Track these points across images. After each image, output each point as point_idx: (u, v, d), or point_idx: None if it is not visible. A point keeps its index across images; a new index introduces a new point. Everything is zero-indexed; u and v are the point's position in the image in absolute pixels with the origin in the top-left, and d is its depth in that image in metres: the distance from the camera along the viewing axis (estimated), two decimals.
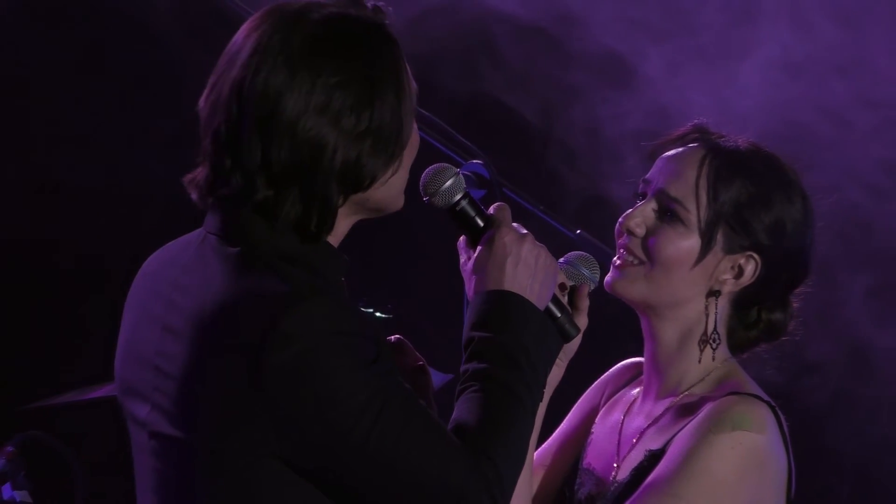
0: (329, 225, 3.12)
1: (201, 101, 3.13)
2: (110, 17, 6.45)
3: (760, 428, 3.42)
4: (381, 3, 3.13)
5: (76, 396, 5.52)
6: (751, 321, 3.55)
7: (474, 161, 4.36)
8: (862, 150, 5.53)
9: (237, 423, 3.08)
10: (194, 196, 3.17)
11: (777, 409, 3.45)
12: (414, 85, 3.18)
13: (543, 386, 3.20)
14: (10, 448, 5.23)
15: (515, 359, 3.17)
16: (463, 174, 4.43)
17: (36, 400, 5.70)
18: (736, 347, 3.56)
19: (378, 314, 5.32)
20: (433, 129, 4.46)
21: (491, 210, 3.32)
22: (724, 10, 5.54)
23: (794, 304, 3.55)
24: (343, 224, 3.18)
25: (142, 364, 3.19)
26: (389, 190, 3.16)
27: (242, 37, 3.11)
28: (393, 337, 3.37)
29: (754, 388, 3.49)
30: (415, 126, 3.21)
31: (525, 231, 3.29)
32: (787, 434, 3.46)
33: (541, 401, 3.22)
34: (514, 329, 3.20)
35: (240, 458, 3.08)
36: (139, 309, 3.25)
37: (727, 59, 5.49)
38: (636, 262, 3.53)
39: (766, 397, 3.47)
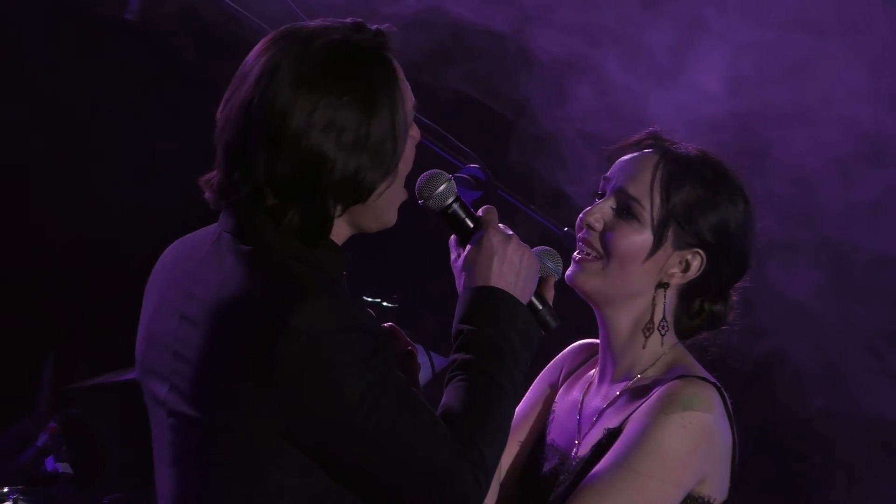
0: (327, 231, 3.21)
1: (218, 113, 3.23)
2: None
3: (708, 408, 3.51)
4: (385, 27, 3.23)
5: (111, 378, 5.75)
6: (695, 311, 3.63)
7: (472, 165, 4.52)
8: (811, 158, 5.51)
9: (248, 406, 3.17)
10: (209, 197, 3.28)
11: (722, 389, 3.56)
12: (412, 102, 3.28)
13: (523, 375, 3.30)
14: (52, 425, 5.52)
15: (500, 350, 3.26)
16: (460, 177, 4.54)
17: (76, 381, 5.97)
18: (681, 334, 3.65)
19: (384, 303, 5.47)
20: (433, 135, 4.58)
21: (480, 212, 3.40)
22: (677, 17, 5.47)
23: (734, 297, 3.66)
24: (345, 228, 3.27)
25: (161, 348, 3.28)
26: (386, 202, 3.25)
27: (254, 57, 3.21)
28: (386, 324, 3.45)
29: (701, 370, 3.60)
30: (412, 143, 3.30)
31: (511, 232, 3.38)
32: (731, 412, 3.56)
33: (521, 389, 3.32)
34: (498, 323, 3.28)
35: (249, 438, 3.19)
36: (158, 297, 3.35)
37: (681, 65, 5.39)
38: (594, 255, 3.61)
39: (712, 379, 3.58)
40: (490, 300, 3.28)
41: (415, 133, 3.31)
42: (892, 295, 5.67)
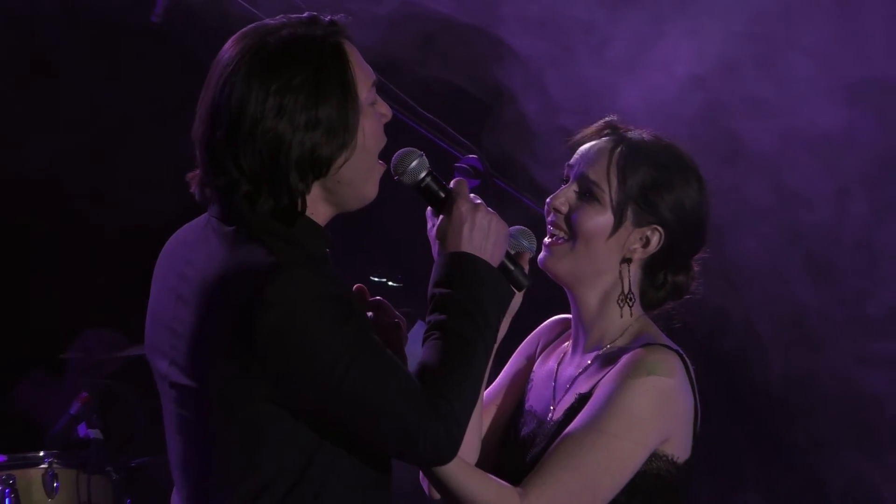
0: (299, 208, 3.34)
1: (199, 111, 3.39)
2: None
3: (670, 373, 3.63)
4: (338, 17, 3.37)
5: (138, 351, 5.85)
6: (659, 283, 3.75)
7: (471, 156, 4.62)
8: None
9: (235, 373, 3.27)
10: (194, 191, 3.40)
11: (684, 356, 3.69)
12: (371, 80, 3.39)
13: (496, 331, 3.38)
14: (84, 394, 5.76)
15: (470, 312, 3.33)
16: (460, 166, 4.67)
17: (107, 354, 6.14)
18: (648, 306, 3.77)
19: (390, 283, 5.52)
20: (434, 128, 4.73)
21: (451, 185, 3.50)
22: (651, 9, 5.40)
23: (696, 268, 3.78)
24: (324, 207, 3.39)
25: (162, 327, 3.39)
26: (354, 173, 3.35)
27: (218, 58, 3.37)
28: (375, 298, 3.56)
29: (665, 339, 3.71)
30: (377, 119, 3.39)
31: (480, 201, 3.46)
32: (693, 377, 3.68)
33: (494, 345, 3.41)
34: (469, 286, 3.35)
35: (240, 403, 3.30)
36: (160, 282, 3.45)
37: (650, 54, 5.32)
38: (562, 237, 3.72)
39: (675, 347, 3.69)
40: (461, 265, 3.36)
41: (384, 111, 3.41)
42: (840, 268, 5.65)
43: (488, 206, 3.51)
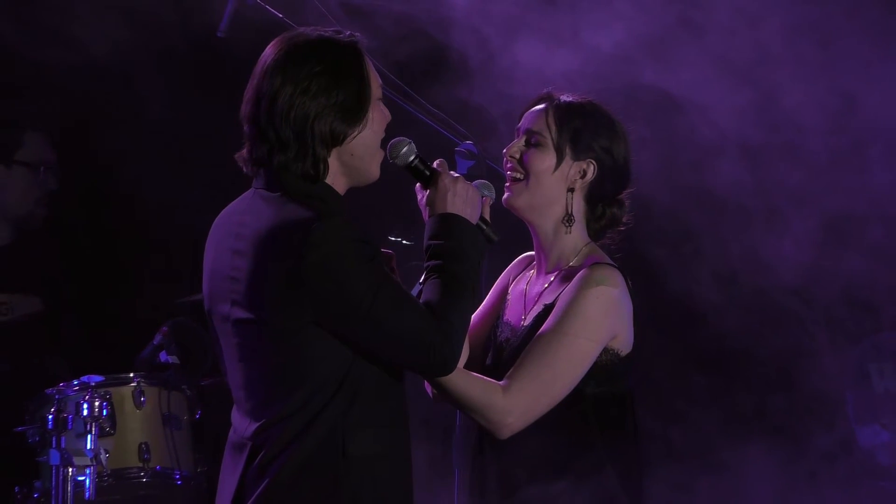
0: (323, 173, 3.57)
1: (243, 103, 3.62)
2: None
3: (615, 284, 3.89)
4: (357, 34, 3.66)
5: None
6: (598, 214, 4.01)
7: (467, 142, 4.92)
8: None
9: (285, 304, 3.53)
10: (243, 167, 3.66)
11: (623, 271, 3.94)
12: (378, 82, 3.64)
13: (479, 272, 3.66)
14: (164, 328, 6.03)
15: (458, 256, 3.62)
16: (459, 150, 4.90)
17: (182, 297, 6.38)
18: (594, 236, 4.02)
19: (404, 241, 5.84)
20: (437, 119, 4.96)
21: (435, 164, 3.77)
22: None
23: (626, 203, 4.03)
24: (340, 181, 3.63)
25: (221, 279, 3.64)
26: (363, 149, 3.61)
27: (261, 57, 3.63)
28: (386, 250, 3.74)
29: (608, 259, 3.98)
30: (381, 113, 3.64)
31: (458, 175, 3.74)
32: (630, 287, 3.94)
33: (477, 283, 3.65)
34: (456, 237, 3.65)
35: (292, 327, 3.55)
36: (215, 245, 3.69)
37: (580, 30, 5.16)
38: (518, 177, 3.96)
39: (615, 264, 3.95)
40: (449, 222, 3.66)
41: (386, 113, 3.67)
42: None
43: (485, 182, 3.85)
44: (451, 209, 3.68)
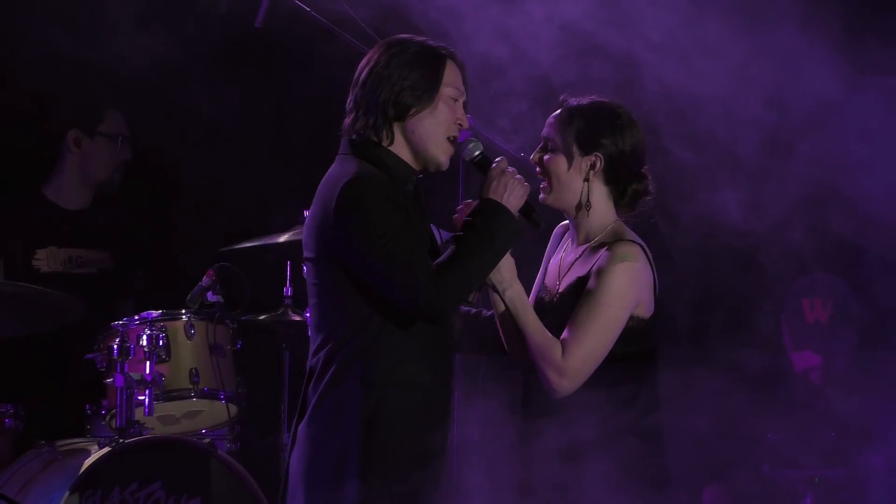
0: (387, 139, 3.91)
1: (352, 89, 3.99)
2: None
3: (636, 258, 4.12)
4: (444, 45, 4.02)
5: (248, 243, 6.54)
6: (622, 191, 4.24)
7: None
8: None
9: (325, 243, 3.87)
10: (344, 135, 3.99)
11: (645, 247, 4.16)
12: (457, 82, 3.94)
13: (500, 251, 3.91)
14: (210, 272, 6.31)
15: (479, 231, 3.91)
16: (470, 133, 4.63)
17: (226, 245, 6.62)
18: (626, 208, 4.24)
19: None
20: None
21: (495, 162, 4.11)
22: None
23: (648, 177, 4.25)
24: (406, 154, 3.96)
25: (306, 228, 4.01)
26: (422, 130, 3.93)
27: (366, 56, 4.03)
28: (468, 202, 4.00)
29: (633, 236, 4.20)
30: (451, 111, 3.94)
31: (510, 170, 4.03)
32: (651, 260, 4.17)
33: (496, 259, 3.91)
34: (486, 218, 3.94)
35: (329, 264, 3.90)
36: (314, 200, 4.00)
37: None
38: (546, 181, 4.22)
39: (639, 241, 4.17)
40: (486, 205, 3.99)
41: (461, 117, 3.99)
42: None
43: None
44: (492, 195, 3.98)
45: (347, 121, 3.93)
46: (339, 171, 3.86)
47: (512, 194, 3.95)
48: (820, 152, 5.49)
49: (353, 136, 3.90)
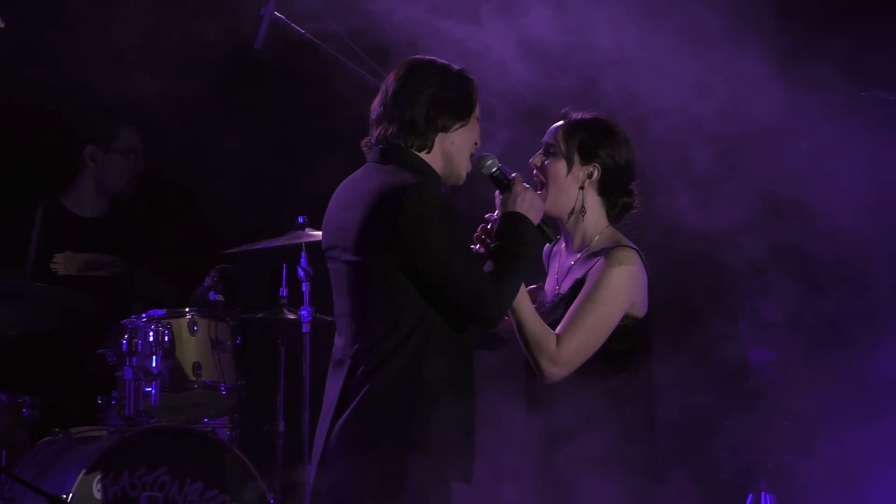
0: (428, 151, 3.99)
1: (374, 103, 4.08)
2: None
3: (633, 262, 4.22)
4: (467, 70, 4.10)
5: (247, 247, 6.78)
6: (613, 203, 4.33)
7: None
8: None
9: (383, 249, 3.92)
10: (364, 148, 4.07)
11: (640, 251, 4.26)
12: (478, 111, 4.04)
13: (533, 258, 4.06)
14: (213, 273, 6.56)
15: (518, 241, 4.04)
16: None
17: (229, 249, 6.82)
18: (613, 219, 4.34)
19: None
20: None
21: (512, 176, 4.19)
22: None
23: (635, 192, 4.35)
24: (439, 166, 4.03)
25: (336, 230, 4.04)
26: (460, 143, 4.04)
27: (393, 73, 4.09)
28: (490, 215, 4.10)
29: (628, 241, 4.30)
30: (476, 131, 4.04)
31: (528, 186, 4.13)
32: (646, 263, 4.26)
33: (531, 264, 4.03)
34: (519, 230, 4.08)
35: (387, 270, 3.95)
36: (334, 205, 4.07)
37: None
38: (541, 184, 4.27)
39: (634, 246, 4.27)
40: (514, 218, 4.13)
41: (478, 134, 4.10)
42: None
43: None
44: (519, 209, 4.14)
45: (376, 131, 4.04)
46: (389, 180, 3.96)
47: (532, 208, 4.14)
48: (770, 164, 5.66)
49: (383, 146, 4.03)
